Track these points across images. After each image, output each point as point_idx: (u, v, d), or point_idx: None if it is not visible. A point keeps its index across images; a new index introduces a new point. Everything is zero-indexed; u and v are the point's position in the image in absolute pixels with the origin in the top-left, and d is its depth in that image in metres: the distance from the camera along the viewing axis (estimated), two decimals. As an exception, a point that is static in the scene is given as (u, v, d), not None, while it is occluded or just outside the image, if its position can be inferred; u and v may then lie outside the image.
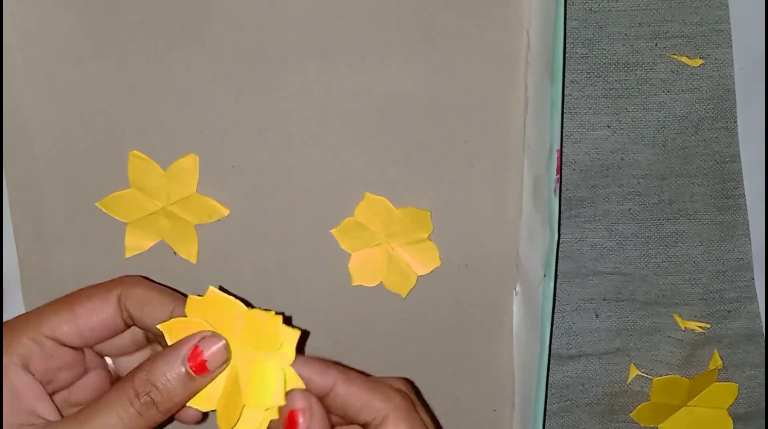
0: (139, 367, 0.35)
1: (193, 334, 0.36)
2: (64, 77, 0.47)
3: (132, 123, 0.47)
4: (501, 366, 0.52)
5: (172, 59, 0.47)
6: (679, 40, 0.49)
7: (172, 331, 0.37)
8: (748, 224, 0.51)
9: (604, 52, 0.49)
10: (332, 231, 0.49)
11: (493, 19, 0.47)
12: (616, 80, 0.49)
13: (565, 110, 0.49)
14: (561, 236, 0.51)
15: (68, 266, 0.49)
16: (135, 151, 0.47)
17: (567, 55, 0.48)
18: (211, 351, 0.35)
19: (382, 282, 0.50)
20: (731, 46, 0.49)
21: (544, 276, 0.46)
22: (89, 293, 0.39)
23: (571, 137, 0.50)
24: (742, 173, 0.51)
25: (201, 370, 0.35)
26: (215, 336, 0.36)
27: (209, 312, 0.36)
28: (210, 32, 0.46)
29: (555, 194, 0.46)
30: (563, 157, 0.50)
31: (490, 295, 0.51)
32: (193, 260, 0.49)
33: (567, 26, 0.47)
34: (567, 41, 0.48)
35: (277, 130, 0.48)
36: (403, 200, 0.49)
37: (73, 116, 0.47)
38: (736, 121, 0.50)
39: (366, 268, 0.50)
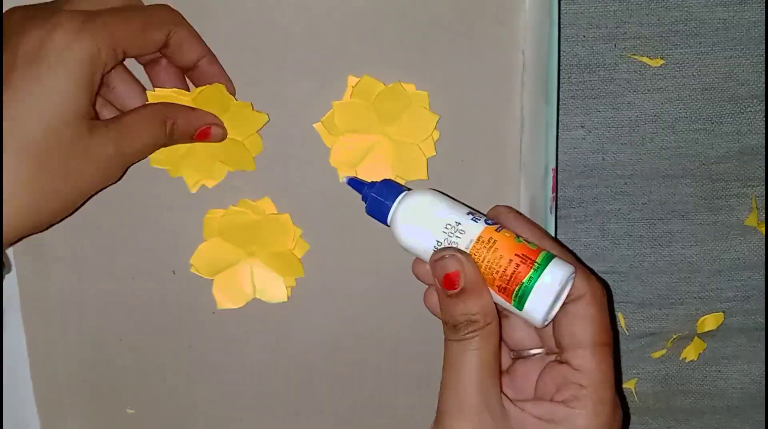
0: (167, 106, 0.44)
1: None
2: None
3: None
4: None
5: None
6: (638, 41, 0.50)
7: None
8: (741, 224, 0.52)
9: (565, 54, 0.49)
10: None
11: (489, 40, 0.47)
12: (580, 81, 0.50)
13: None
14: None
15: (67, 285, 0.49)
16: (151, 91, 0.46)
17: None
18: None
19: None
20: (690, 47, 0.50)
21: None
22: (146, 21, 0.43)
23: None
24: (730, 174, 0.51)
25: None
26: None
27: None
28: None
29: (551, 213, 0.46)
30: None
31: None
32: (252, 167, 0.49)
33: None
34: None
35: (278, 147, 0.48)
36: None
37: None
38: (713, 122, 0.51)
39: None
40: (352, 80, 0.47)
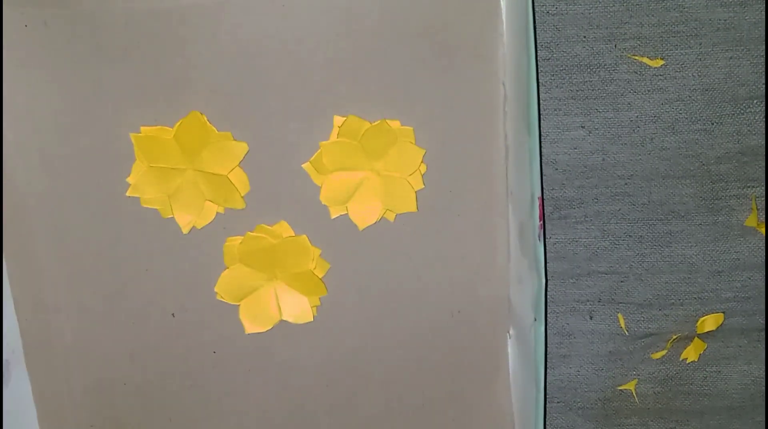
0: None
1: None
2: (55, 152, 0.48)
3: (125, 190, 0.48)
4: (500, 409, 0.52)
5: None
6: (638, 42, 0.49)
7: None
8: (741, 225, 0.51)
9: (565, 54, 0.49)
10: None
11: (470, 73, 0.47)
12: (580, 82, 0.49)
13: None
14: (554, 237, 0.52)
15: (69, 335, 0.50)
16: (135, 134, 0.48)
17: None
18: None
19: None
20: (690, 47, 0.49)
21: (535, 319, 0.46)
22: None
23: (548, 137, 0.50)
24: (730, 174, 0.51)
25: None
26: None
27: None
28: (195, 101, 0.47)
29: (539, 240, 0.46)
30: (543, 157, 0.50)
31: (485, 339, 0.51)
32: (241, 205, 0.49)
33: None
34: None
35: (268, 187, 0.49)
36: (395, 252, 0.50)
37: (67, 189, 0.48)
38: (713, 123, 0.50)
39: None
40: (338, 120, 0.47)
